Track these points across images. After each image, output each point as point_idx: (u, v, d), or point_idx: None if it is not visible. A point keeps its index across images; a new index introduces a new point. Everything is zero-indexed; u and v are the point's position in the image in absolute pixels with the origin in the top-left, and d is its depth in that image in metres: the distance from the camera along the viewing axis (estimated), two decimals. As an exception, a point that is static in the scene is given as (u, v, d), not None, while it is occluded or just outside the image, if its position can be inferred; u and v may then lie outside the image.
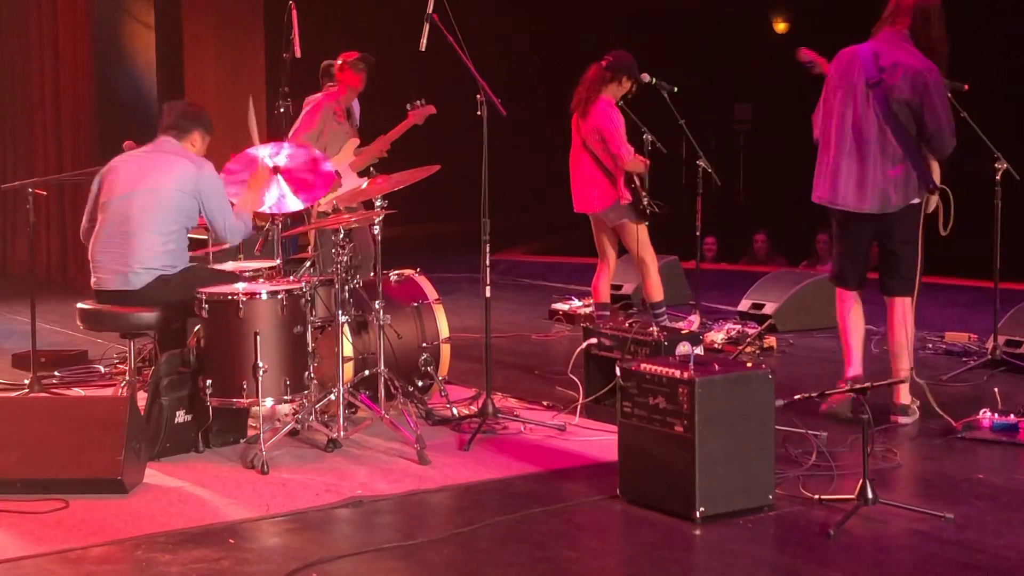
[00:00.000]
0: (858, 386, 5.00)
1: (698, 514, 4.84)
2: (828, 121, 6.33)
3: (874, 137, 6.15)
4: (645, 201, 8.04)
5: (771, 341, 8.44)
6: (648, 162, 8.02)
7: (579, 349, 6.89)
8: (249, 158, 6.49)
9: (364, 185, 6.41)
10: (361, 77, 8.67)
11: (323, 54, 9.85)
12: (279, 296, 5.81)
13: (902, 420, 6.29)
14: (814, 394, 5.27)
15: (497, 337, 7.64)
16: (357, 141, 8.82)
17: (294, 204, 6.40)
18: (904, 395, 6.33)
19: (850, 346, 6.49)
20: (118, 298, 6.22)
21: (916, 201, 6.22)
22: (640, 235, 8.16)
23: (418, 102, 8.81)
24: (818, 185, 6.39)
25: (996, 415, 6.12)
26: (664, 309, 8.31)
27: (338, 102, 8.69)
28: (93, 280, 6.32)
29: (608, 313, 8.41)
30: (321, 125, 8.47)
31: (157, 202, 6.18)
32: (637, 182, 8.04)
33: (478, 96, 6.36)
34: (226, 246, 6.95)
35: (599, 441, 6.02)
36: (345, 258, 6.07)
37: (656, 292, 8.32)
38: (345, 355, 6.12)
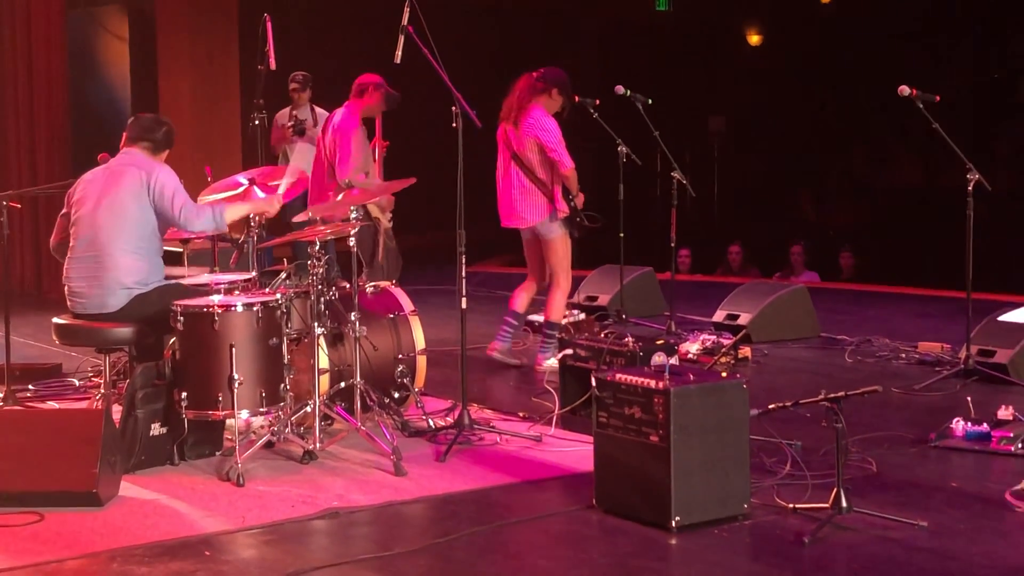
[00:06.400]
0: (832, 395, 5.02)
1: (674, 523, 4.85)
2: None
3: None
4: (581, 215, 7.92)
5: (746, 351, 8.46)
6: (582, 196, 7.90)
7: (555, 360, 6.90)
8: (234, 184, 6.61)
9: (339, 198, 6.41)
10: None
11: (297, 66, 9.89)
12: (254, 308, 5.81)
13: None
14: (788, 403, 5.30)
15: (473, 349, 7.65)
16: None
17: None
18: None
19: None
20: (95, 316, 6.20)
21: None
22: (564, 251, 7.98)
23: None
24: None
25: (969, 424, 6.16)
26: (558, 332, 7.95)
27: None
28: (69, 303, 6.28)
29: (518, 324, 8.26)
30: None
31: (118, 219, 6.14)
32: (573, 197, 7.91)
33: (453, 108, 6.37)
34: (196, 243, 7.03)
35: (575, 452, 6.03)
36: (320, 270, 6.07)
37: (557, 313, 8.07)
38: (321, 367, 6.12)
